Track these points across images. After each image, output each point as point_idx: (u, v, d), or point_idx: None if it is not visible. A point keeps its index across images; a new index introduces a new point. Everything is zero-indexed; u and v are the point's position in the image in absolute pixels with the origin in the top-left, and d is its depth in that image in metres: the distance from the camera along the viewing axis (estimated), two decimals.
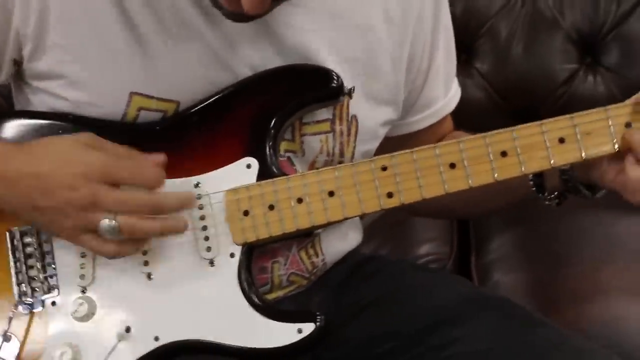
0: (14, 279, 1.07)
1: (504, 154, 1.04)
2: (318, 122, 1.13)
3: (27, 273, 1.07)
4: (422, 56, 1.21)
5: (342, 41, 1.12)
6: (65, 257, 1.07)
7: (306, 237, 1.14)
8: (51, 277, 1.07)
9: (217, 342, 1.05)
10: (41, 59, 1.06)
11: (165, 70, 1.07)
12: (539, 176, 1.14)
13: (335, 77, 1.09)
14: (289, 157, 1.13)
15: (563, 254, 1.63)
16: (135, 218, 0.99)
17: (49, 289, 1.07)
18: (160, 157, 1.04)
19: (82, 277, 1.07)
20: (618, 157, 1.04)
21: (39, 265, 1.07)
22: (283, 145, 1.12)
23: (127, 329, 1.06)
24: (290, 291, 1.18)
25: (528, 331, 1.11)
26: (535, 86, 1.93)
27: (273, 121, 1.08)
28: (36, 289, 1.07)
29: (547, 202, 1.15)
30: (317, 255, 1.19)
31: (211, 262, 1.06)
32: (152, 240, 1.05)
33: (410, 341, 1.14)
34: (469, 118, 1.29)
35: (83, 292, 1.07)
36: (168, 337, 1.05)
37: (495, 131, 1.05)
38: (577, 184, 1.11)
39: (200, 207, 1.06)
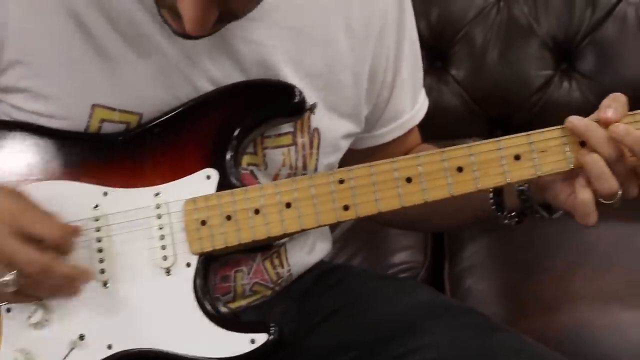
0: None
1: (460, 169, 1.04)
2: (280, 135, 1.13)
3: None
4: (386, 69, 1.20)
5: (304, 56, 1.12)
6: None
7: (267, 248, 1.15)
8: None
9: (170, 351, 1.05)
10: (2, 75, 1.07)
11: (127, 83, 1.07)
12: (499, 195, 1.13)
13: (297, 93, 1.09)
14: (251, 171, 1.13)
15: (535, 261, 1.63)
16: (25, 277, 1.00)
17: None
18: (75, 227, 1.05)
19: None
20: (572, 177, 1.03)
21: None
22: (246, 159, 1.12)
23: (81, 337, 1.06)
24: (254, 301, 1.18)
25: (486, 339, 1.12)
26: (511, 92, 1.93)
27: (234, 133, 1.08)
28: None
29: (505, 222, 1.14)
30: (282, 266, 1.20)
31: (167, 271, 1.07)
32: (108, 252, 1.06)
33: (370, 351, 1.14)
34: (445, 125, 1.29)
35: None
36: (121, 345, 1.06)
37: (453, 147, 1.05)
38: (535, 204, 1.10)
39: (159, 217, 1.07)
